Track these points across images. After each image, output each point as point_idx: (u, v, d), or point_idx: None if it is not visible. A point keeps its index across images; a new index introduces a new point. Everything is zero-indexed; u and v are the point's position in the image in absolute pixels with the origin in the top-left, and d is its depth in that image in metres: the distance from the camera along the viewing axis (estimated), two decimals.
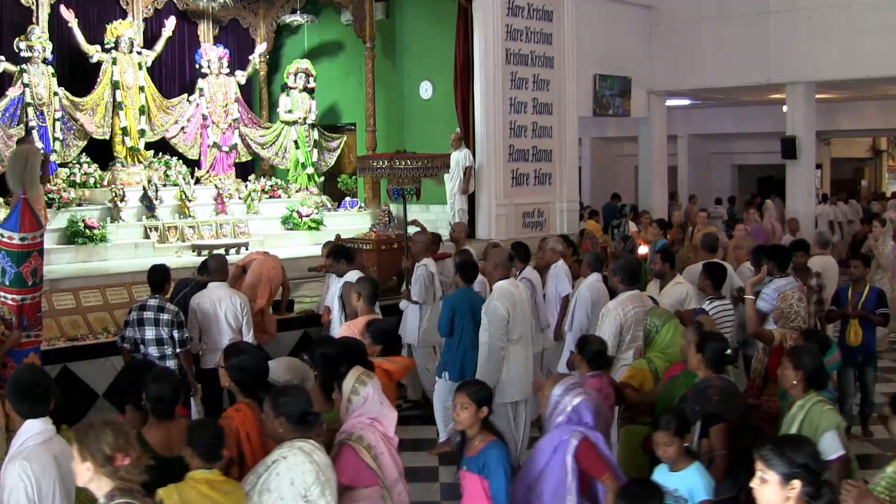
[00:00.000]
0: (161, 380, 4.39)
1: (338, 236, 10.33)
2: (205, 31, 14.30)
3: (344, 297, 7.40)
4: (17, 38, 11.52)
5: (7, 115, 11.38)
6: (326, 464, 3.84)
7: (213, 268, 7.07)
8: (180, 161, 13.14)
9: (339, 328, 7.20)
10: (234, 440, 4.19)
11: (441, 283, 8.44)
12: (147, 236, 11.59)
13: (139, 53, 12.75)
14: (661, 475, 4.22)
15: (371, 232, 10.66)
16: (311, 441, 3.83)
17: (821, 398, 4.38)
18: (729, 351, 4.95)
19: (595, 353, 5.23)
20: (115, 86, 12.40)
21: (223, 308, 6.82)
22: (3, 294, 6.00)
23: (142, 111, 12.64)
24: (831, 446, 4.21)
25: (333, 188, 14.83)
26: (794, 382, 4.44)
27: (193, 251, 11.40)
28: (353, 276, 7.31)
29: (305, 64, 14.14)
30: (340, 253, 7.91)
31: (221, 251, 10.01)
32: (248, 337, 6.84)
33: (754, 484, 3.12)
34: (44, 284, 6.42)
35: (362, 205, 13.91)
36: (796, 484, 3.03)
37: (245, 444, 4.22)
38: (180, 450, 3.88)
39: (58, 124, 11.83)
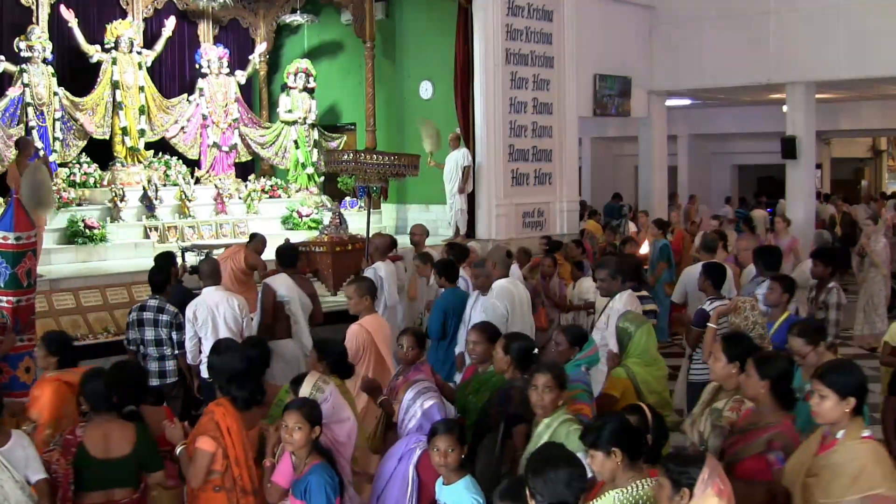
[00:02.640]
0: (98, 376, 4.37)
1: (287, 240, 10.01)
2: (205, 30, 14.30)
3: (262, 300, 6.92)
4: (17, 38, 11.51)
5: (7, 115, 11.37)
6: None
7: (207, 272, 6.84)
8: (180, 161, 13.14)
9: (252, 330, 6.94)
10: (217, 434, 4.24)
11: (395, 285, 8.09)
12: (147, 236, 11.60)
13: (139, 53, 12.74)
14: (437, 488, 4.08)
15: (323, 235, 10.33)
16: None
17: (570, 417, 4.13)
18: (536, 350, 4.81)
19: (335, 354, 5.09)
20: (115, 86, 12.39)
21: (221, 312, 6.59)
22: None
23: (142, 111, 12.64)
24: None
25: (333, 188, 14.82)
26: (561, 403, 4.19)
27: (193, 251, 11.37)
28: (274, 279, 6.91)
29: (305, 64, 14.14)
30: (278, 253, 7.47)
31: (221, 251, 9.99)
32: None
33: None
34: (38, 285, 6.40)
35: (362, 205, 13.90)
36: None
37: (226, 438, 4.24)
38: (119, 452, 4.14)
39: (58, 124, 11.83)
